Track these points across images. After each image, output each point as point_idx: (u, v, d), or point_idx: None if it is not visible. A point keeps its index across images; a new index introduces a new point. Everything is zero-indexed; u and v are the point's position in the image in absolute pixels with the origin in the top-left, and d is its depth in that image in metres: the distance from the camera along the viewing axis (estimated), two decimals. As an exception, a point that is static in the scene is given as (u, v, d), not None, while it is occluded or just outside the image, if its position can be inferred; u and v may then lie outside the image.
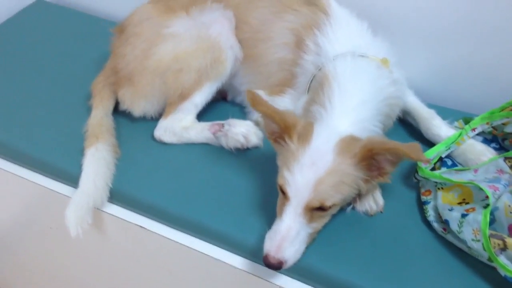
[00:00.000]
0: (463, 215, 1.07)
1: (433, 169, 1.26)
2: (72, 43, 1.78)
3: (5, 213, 1.64)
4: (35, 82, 1.61)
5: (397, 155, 1.02)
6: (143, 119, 1.44)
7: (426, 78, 1.57)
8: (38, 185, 1.40)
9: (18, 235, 1.71)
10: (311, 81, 1.26)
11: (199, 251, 1.23)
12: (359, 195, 1.16)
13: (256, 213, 1.21)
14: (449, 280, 1.08)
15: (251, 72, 1.42)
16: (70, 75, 1.63)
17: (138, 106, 1.41)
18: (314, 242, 1.12)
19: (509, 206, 1.03)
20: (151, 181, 1.30)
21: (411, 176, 1.26)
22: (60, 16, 1.94)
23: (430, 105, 1.39)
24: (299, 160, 1.03)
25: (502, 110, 1.26)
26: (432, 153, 1.25)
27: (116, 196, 1.30)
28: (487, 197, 1.04)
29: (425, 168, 1.20)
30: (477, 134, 1.31)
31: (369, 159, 1.04)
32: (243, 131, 1.33)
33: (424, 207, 1.19)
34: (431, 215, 1.17)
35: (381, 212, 1.20)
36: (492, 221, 1.05)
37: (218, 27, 1.36)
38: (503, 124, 1.26)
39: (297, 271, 1.12)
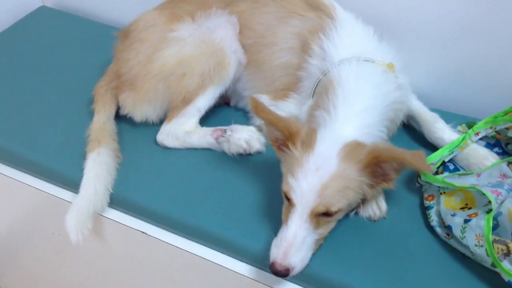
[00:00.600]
0: (466, 221, 1.06)
1: (436, 173, 1.25)
2: (75, 49, 1.79)
3: (7, 218, 1.65)
4: (38, 87, 1.61)
5: (402, 163, 1.02)
6: (146, 124, 1.44)
7: (430, 83, 1.57)
8: (40, 191, 1.40)
9: (21, 241, 1.71)
10: (316, 85, 1.26)
11: (202, 257, 1.23)
12: (363, 201, 1.15)
13: (260, 219, 1.21)
14: (452, 285, 1.07)
15: (255, 77, 1.42)
16: (72, 81, 1.63)
17: (140, 111, 1.41)
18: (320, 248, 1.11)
19: (513, 211, 1.03)
20: (153, 186, 1.30)
21: (414, 180, 1.26)
22: (63, 22, 1.95)
23: (433, 110, 1.38)
24: (303, 166, 1.03)
25: (506, 114, 1.26)
26: (435, 158, 1.25)
27: (118, 201, 1.30)
28: (489, 202, 1.04)
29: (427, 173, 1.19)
30: (480, 139, 1.30)
31: (374, 165, 1.03)
32: (245, 137, 1.33)
33: (427, 212, 1.19)
34: (434, 220, 1.16)
35: (384, 217, 1.20)
36: (496, 226, 1.04)
37: (221, 32, 1.37)
38: (507, 128, 1.26)
39: (300, 276, 1.12)
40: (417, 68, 1.56)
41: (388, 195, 1.22)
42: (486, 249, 1.01)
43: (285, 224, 1.05)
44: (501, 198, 1.06)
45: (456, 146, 1.26)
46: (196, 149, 1.39)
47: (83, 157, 1.33)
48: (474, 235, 1.04)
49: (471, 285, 1.07)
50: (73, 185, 1.31)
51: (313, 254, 1.08)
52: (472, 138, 1.28)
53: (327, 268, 1.10)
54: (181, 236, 1.27)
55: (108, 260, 1.49)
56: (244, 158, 1.35)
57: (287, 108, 1.34)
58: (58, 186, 1.40)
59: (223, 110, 1.51)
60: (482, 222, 1.03)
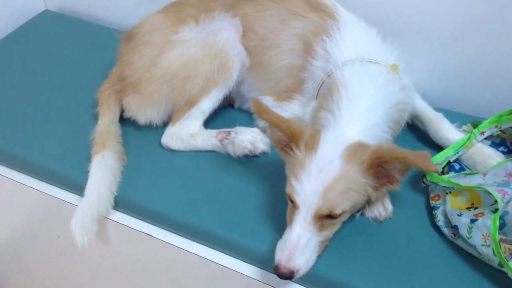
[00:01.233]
0: (472, 220, 1.06)
1: (441, 173, 1.25)
2: (79, 52, 1.79)
3: (12, 222, 1.65)
4: (42, 90, 1.62)
5: (406, 164, 1.01)
6: (150, 127, 1.45)
7: (434, 82, 1.57)
8: (45, 194, 1.41)
9: (26, 244, 1.71)
10: (320, 87, 1.26)
11: (207, 259, 1.23)
12: (368, 202, 1.15)
13: (265, 220, 1.20)
14: (459, 285, 1.07)
15: (258, 79, 1.42)
16: (77, 84, 1.64)
17: (144, 113, 1.42)
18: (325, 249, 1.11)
19: (520, 210, 1.03)
20: (158, 188, 1.30)
21: (419, 181, 1.26)
22: (67, 25, 1.96)
23: (438, 109, 1.38)
24: (306, 168, 1.03)
25: (511, 113, 1.25)
26: (441, 158, 1.24)
27: (123, 203, 1.30)
28: (496, 201, 1.03)
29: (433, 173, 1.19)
30: (486, 138, 1.30)
31: (378, 166, 1.03)
32: (250, 139, 1.33)
33: (433, 212, 1.18)
34: (440, 220, 1.16)
35: (390, 218, 1.19)
36: (502, 226, 1.04)
37: (225, 34, 1.37)
38: (512, 127, 1.25)
39: (305, 277, 1.11)
40: (420, 68, 1.56)
41: (394, 196, 1.22)
42: (493, 249, 1.00)
43: (289, 226, 1.05)
44: (507, 197, 1.05)
45: (462, 146, 1.26)
46: (200, 151, 1.39)
47: (88, 160, 1.33)
48: (481, 235, 1.03)
49: (478, 285, 1.06)
50: (78, 187, 1.32)
51: (318, 256, 1.08)
52: (478, 137, 1.28)
53: (333, 269, 1.10)
54: (186, 237, 1.27)
55: (113, 262, 1.49)
56: (248, 160, 1.35)
57: (291, 110, 1.34)
58: (63, 189, 1.40)
59: (227, 112, 1.52)
60: (488, 222, 1.02)
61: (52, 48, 1.82)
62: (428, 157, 0.99)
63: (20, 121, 1.51)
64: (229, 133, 1.35)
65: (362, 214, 1.19)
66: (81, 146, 1.39)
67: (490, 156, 1.25)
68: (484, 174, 1.19)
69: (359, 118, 1.12)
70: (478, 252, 1.05)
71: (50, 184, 1.42)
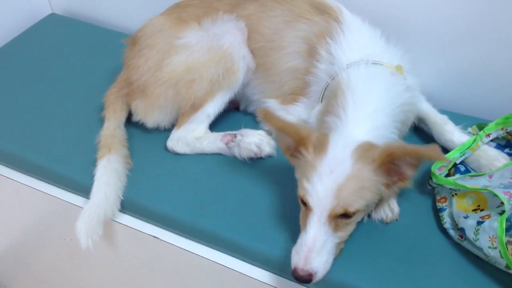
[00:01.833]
0: (479, 223, 1.06)
1: (447, 175, 1.25)
2: (85, 56, 1.80)
3: (19, 224, 1.66)
4: (49, 94, 1.63)
5: (417, 157, 1.01)
6: (156, 130, 1.45)
7: (438, 84, 1.56)
8: (52, 197, 1.41)
9: (32, 246, 1.72)
10: (325, 90, 1.26)
11: (213, 261, 1.24)
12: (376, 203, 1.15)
13: (272, 223, 1.21)
14: (466, 287, 1.06)
15: (263, 81, 1.42)
16: (83, 87, 1.64)
17: (151, 117, 1.42)
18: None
19: (526, 212, 1.02)
20: (164, 191, 1.30)
21: (426, 183, 1.26)
22: (73, 29, 1.96)
23: (443, 111, 1.38)
24: (317, 170, 1.03)
25: (517, 115, 1.26)
26: (447, 159, 1.24)
27: (129, 206, 1.31)
28: (502, 203, 1.03)
29: (439, 175, 1.19)
30: (491, 140, 1.30)
31: (389, 163, 1.03)
32: (255, 141, 1.33)
33: (440, 214, 1.18)
34: (447, 222, 1.16)
35: (396, 219, 1.19)
36: (509, 228, 1.03)
37: (230, 37, 1.37)
38: (518, 129, 1.25)
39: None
40: (425, 70, 1.56)
41: (401, 198, 1.22)
42: (500, 251, 1.00)
43: (303, 230, 1.05)
44: (514, 199, 1.05)
45: (468, 148, 1.26)
46: (206, 154, 1.39)
47: (93, 163, 1.34)
48: (488, 237, 1.03)
49: (486, 287, 1.06)
50: (84, 190, 1.32)
51: (334, 259, 1.06)
52: (484, 139, 1.28)
53: (339, 271, 1.10)
54: (193, 240, 1.28)
55: (119, 265, 1.49)
56: (254, 162, 1.35)
57: (296, 112, 1.34)
58: (70, 191, 1.40)
59: (233, 115, 1.52)
60: (495, 224, 1.02)
61: (58, 52, 1.83)
62: (437, 149, 0.98)
63: (27, 124, 1.52)
64: (235, 135, 1.36)
65: (369, 216, 1.19)
66: (87, 149, 1.39)
67: (495, 158, 1.25)
68: (490, 176, 1.19)
69: (366, 120, 1.12)
70: (485, 254, 1.05)
71: (56, 186, 1.43)
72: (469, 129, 1.34)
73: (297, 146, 1.09)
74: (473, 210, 1.12)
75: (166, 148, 1.41)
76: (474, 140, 1.26)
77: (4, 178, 1.48)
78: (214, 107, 1.39)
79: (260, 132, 1.36)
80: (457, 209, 1.14)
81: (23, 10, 1.99)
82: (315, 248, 1.01)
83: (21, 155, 1.44)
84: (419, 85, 1.35)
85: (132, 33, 1.53)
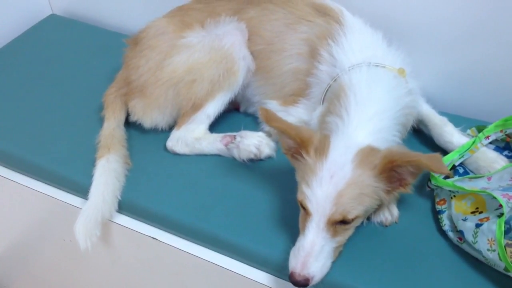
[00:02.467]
0: (478, 225, 1.06)
1: (446, 177, 1.25)
2: (85, 56, 1.80)
3: (18, 225, 1.66)
4: (48, 94, 1.63)
5: (418, 167, 1.01)
6: (155, 130, 1.45)
7: (438, 86, 1.56)
8: (50, 197, 1.41)
9: (31, 247, 1.72)
10: (326, 91, 1.26)
11: (212, 263, 1.23)
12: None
13: (271, 224, 1.21)
14: (465, 290, 1.07)
15: (264, 83, 1.42)
16: (83, 88, 1.64)
17: (149, 117, 1.42)
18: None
19: (525, 215, 1.02)
20: (163, 192, 1.30)
21: (425, 185, 1.25)
22: (73, 30, 1.96)
23: (443, 113, 1.38)
24: (317, 174, 1.02)
25: (517, 117, 1.26)
26: (446, 161, 1.24)
27: (128, 207, 1.31)
28: (501, 205, 1.03)
29: (438, 177, 1.19)
30: (490, 142, 1.30)
31: (390, 170, 1.02)
32: (255, 143, 1.33)
33: (439, 217, 1.18)
34: (446, 224, 1.16)
35: (396, 222, 1.19)
36: (508, 231, 1.03)
37: (230, 38, 1.37)
38: (517, 131, 1.25)
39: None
40: (425, 72, 1.56)
41: (400, 201, 1.22)
42: (498, 254, 1.00)
43: (302, 233, 1.05)
44: (512, 202, 1.06)
45: (467, 150, 1.26)
46: (205, 155, 1.39)
47: (92, 163, 1.34)
48: (486, 240, 1.03)
49: (484, 289, 1.06)
50: (83, 191, 1.32)
51: (333, 262, 1.07)
52: (483, 141, 1.27)
53: (338, 274, 1.10)
54: (192, 241, 1.27)
55: (118, 266, 1.49)
56: (254, 164, 1.35)
57: (297, 114, 1.34)
58: (68, 192, 1.40)
59: (233, 116, 1.52)
60: (494, 226, 1.02)
61: (58, 52, 1.83)
62: (440, 159, 0.99)
63: (26, 124, 1.52)
64: (234, 137, 1.36)
65: (368, 219, 1.19)
66: (87, 149, 1.39)
67: (494, 160, 1.25)
68: (489, 178, 1.19)
69: (368, 122, 1.11)
70: (484, 256, 1.05)
71: (55, 187, 1.43)
72: (468, 131, 1.34)
73: (299, 148, 1.08)
74: (472, 213, 1.12)
75: (165, 149, 1.41)
76: (473, 142, 1.26)
77: (4, 179, 1.48)
78: (214, 107, 1.39)
79: (260, 133, 1.36)
80: (456, 211, 1.13)
81: (23, 11, 1.99)
82: (313, 253, 1.01)
83: (20, 155, 1.44)
84: (419, 89, 1.35)
85: (132, 34, 1.53)
